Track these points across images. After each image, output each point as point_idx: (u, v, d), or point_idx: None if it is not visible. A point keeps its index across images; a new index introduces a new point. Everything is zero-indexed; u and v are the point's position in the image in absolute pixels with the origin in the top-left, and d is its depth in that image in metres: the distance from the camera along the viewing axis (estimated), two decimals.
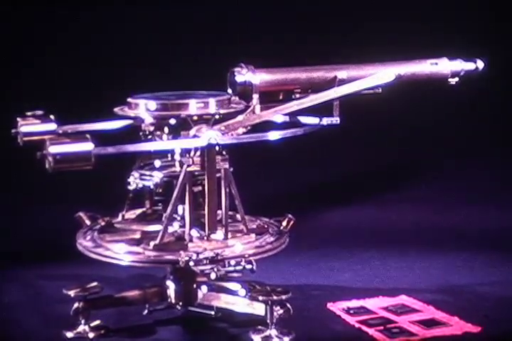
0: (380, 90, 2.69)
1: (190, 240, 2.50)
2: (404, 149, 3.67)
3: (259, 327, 2.48)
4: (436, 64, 2.78)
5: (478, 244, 3.27)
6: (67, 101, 3.26)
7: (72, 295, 2.52)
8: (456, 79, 2.83)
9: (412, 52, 2.80)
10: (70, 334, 2.52)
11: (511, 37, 3.45)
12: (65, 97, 3.52)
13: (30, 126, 2.45)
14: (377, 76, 2.65)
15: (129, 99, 2.58)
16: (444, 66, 2.80)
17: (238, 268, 2.40)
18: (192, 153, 2.50)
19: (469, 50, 2.86)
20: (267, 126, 2.61)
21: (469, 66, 2.82)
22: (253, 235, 2.57)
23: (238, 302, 2.57)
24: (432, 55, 2.83)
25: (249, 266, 2.41)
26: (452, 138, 4.37)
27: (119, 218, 2.69)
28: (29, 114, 2.48)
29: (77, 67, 3.82)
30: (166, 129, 2.53)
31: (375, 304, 2.76)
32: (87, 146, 2.34)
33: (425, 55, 2.82)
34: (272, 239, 2.60)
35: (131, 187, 2.59)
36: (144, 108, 2.52)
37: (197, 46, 3.90)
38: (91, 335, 2.52)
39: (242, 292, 2.55)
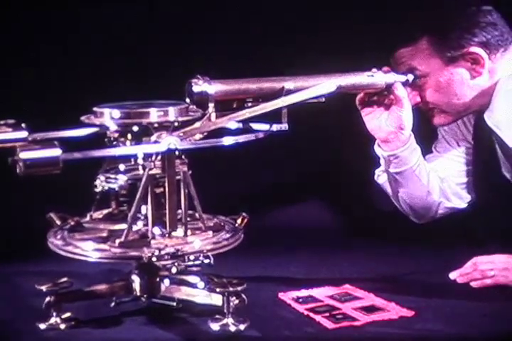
0: (324, 99, 2.85)
1: (153, 237, 2.62)
2: (353, 151, 3.77)
3: (217, 316, 2.61)
4: (373, 76, 2.98)
5: (410, 236, 3.43)
6: (37, 111, 3.28)
7: (44, 289, 2.63)
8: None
9: (358, 64, 2.97)
10: (42, 326, 2.64)
11: None
12: (35, 106, 3.52)
13: (2, 134, 2.50)
14: (320, 87, 2.81)
15: (95, 108, 2.70)
16: (379, 78, 2.99)
17: (197, 262, 2.52)
18: (153, 158, 2.62)
19: None
20: (222, 132, 2.74)
21: (400, 78, 3.01)
22: (210, 232, 2.70)
23: (198, 293, 2.71)
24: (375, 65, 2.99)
25: (207, 261, 2.53)
26: None
27: (88, 218, 2.81)
28: (1, 122, 2.54)
29: (47, 79, 3.82)
30: (129, 136, 2.65)
31: (322, 293, 2.92)
32: (55, 152, 2.42)
33: (371, 66, 2.98)
34: (227, 235, 2.73)
35: (97, 190, 2.71)
36: (109, 116, 2.64)
37: (155, 59, 3.92)
38: (62, 326, 2.64)
39: (201, 284, 2.69)
